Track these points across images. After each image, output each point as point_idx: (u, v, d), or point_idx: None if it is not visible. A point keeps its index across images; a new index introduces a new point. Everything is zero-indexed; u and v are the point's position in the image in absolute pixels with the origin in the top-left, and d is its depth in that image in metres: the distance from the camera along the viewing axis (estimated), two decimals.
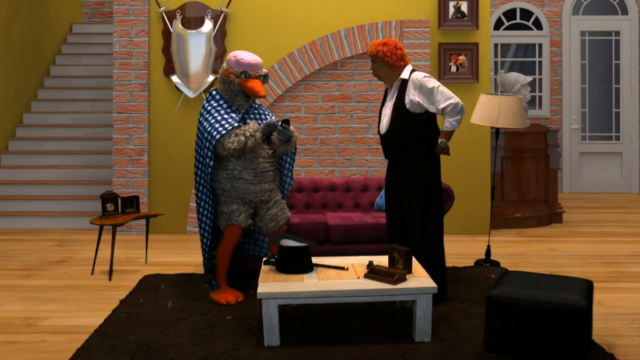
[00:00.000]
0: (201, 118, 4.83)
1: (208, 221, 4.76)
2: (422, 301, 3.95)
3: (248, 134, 4.61)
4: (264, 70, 4.83)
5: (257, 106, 4.97)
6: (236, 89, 4.79)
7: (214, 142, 4.63)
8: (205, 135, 4.70)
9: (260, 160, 4.77)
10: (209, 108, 4.81)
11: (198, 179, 4.75)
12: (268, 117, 4.97)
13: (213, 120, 4.71)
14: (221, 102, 4.82)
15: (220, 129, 4.65)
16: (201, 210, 4.76)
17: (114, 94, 7.21)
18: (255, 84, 4.72)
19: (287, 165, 5.09)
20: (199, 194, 4.76)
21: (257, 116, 4.91)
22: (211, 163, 4.66)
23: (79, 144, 8.36)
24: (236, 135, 4.61)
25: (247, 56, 4.76)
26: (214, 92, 4.89)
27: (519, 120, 5.63)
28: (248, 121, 4.82)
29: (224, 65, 4.83)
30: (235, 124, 4.67)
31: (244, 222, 4.79)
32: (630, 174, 9.88)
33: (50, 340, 4.09)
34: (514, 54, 9.96)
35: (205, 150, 4.70)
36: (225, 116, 4.73)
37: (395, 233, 4.78)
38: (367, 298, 3.94)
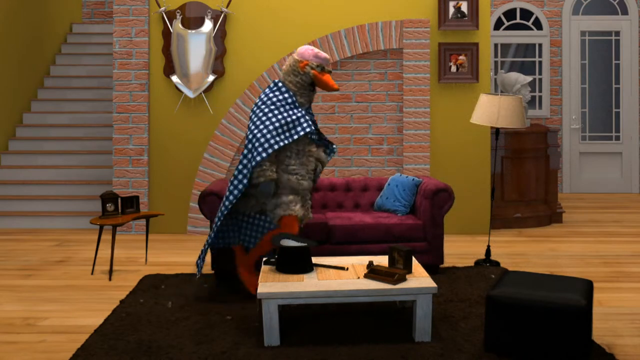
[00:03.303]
0: (265, 107, 4.83)
1: (230, 205, 4.79)
2: (422, 301, 3.95)
3: (268, 174, 4.74)
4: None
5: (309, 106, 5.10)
6: (307, 82, 4.86)
7: (275, 146, 4.68)
8: (266, 132, 4.72)
9: (312, 159, 4.92)
10: (274, 99, 4.84)
11: (245, 161, 4.75)
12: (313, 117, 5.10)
13: (278, 122, 4.74)
14: (286, 95, 4.86)
15: (280, 138, 4.72)
16: (234, 192, 4.78)
17: (114, 94, 7.21)
18: (329, 78, 4.86)
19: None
20: (240, 176, 4.77)
21: (309, 116, 5.00)
22: (258, 158, 4.67)
23: (79, 144, 8.36)
24: (266, 172, 4.73)
25: (322, 52, 4.91)
26: (279, 84, 4.91)
27: (519, 120, 5.63)
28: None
29: (295, 57, 4.89)
30: (300, 134, 4.74)
31: (299, 212, 4.86)
32: (630, 174, 9.88)
33: (50, 340, 4.09)
34: (514, 54, 9.96)
35: (259, 148, 4.71)
36: (292, 116, 4.77)
37: None
38: (367, 298, 3.94)
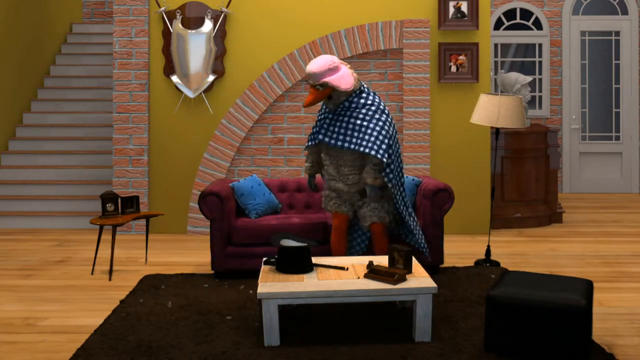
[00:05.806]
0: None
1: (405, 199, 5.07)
2: (422, 301, 3.95)
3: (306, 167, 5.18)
4: (322, 79, 4.74)
5: (350, 105, 4.92)
6: None
7: (308, 143, 5.13)
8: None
9: (340, 162, 4.95)
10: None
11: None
12: (359, 114, 4.90)
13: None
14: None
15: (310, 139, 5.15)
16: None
17: (114, 94, 7.21)
18: (309, 94, 5.06)
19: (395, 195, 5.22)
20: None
21: (327, 123, 5.02)
22: (309, 144, 5.13)
23: (79, 144, 8.37)
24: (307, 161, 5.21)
25: (316, 63, 4.76)
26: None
27: (519, 120, 5.63)
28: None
29: None
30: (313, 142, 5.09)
31: (331, 208, 5.04)
32: (630, 174, 9.88)
33: (50, 340, 4.09)
34: (514, 54, 9.96)
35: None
36: (317, 123, 5.09)
37: None
38: (367, 298, 3.94)
